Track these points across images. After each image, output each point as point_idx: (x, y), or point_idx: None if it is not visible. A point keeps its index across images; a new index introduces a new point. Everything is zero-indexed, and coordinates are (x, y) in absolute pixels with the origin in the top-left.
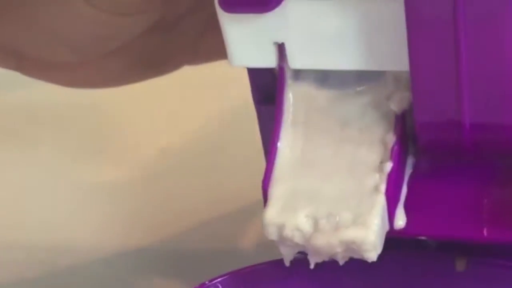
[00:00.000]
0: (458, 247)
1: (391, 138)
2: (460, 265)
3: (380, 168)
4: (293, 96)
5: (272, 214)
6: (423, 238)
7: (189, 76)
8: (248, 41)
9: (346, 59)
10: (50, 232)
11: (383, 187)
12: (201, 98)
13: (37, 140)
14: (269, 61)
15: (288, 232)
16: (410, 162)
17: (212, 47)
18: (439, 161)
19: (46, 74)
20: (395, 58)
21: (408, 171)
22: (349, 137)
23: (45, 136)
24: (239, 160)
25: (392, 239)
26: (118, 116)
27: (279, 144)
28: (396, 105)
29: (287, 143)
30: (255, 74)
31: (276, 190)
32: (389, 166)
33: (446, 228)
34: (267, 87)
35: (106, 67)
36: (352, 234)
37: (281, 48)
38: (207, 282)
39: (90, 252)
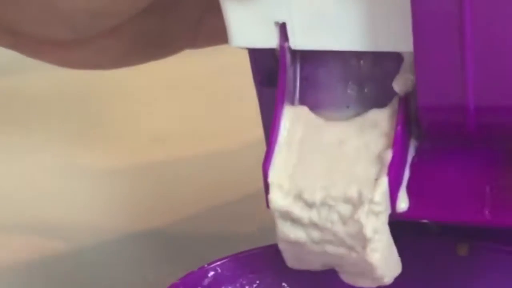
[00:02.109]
0: (460, 232)
1: (388, 156)
2: (462, 250)
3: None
4: (290, 116)
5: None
6: (425, 221)
7: (186, 61)
8: (248, 21)
9: (348, 39)
10: (46, 218)
11: (365, 222)
12: (199, 83)
13: (33, 126)
14: (270, 41)
15: None
16: (413, 145)
17: (213, 31)
18: (443, 144)
19: (42, 53)
20: (398, 38)
21: (411, 154)
22: (346, 155)
23: (41, 123)
24: (236, 145)
25: (394, 223)
26: (115, 101)
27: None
28: (399, 87)
29: (280, 160)
30: (256, 55)
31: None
32: (385, 180)
33: (449, 212)
34: (268, 69)
35: (102, 47)
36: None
37: (282, 28)
38: (206, 266)
39: (86, 238)
